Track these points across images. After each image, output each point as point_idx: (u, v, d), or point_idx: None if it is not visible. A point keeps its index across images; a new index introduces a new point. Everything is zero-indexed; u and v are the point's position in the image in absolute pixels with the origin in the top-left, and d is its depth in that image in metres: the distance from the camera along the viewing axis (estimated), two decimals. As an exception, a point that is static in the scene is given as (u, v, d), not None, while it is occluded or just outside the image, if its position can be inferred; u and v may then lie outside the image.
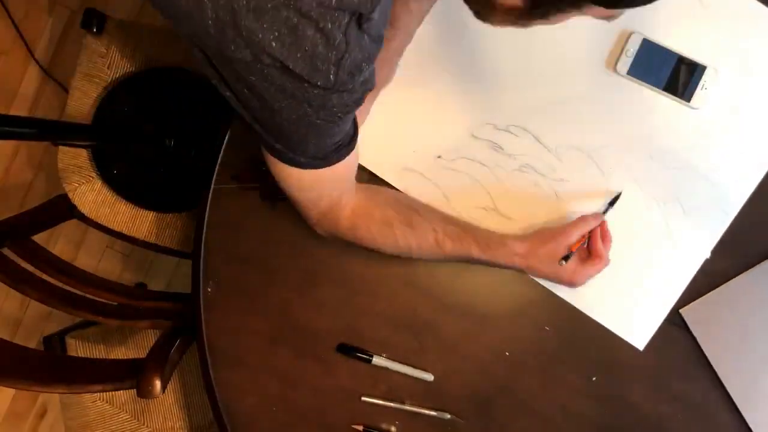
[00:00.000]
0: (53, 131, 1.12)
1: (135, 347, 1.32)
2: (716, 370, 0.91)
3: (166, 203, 1.30)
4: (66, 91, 1.61)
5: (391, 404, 0.94)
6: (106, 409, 1.31)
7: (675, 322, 0.92)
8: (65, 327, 1.41)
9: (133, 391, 0.94)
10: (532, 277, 0.91)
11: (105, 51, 1.25)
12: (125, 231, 1.30)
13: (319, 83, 0.60)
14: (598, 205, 0.91)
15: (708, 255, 0.90)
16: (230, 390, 0.96)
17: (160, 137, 1.29)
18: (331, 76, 0.60)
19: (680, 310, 0.91)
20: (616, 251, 0.89)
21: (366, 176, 0.93)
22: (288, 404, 0.96)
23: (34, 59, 1.77)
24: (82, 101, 1.27)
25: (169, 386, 1.26)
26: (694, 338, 0.91)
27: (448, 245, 0.86)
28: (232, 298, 0.96)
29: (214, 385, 0.95)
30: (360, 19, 0.59)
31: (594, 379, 0.93)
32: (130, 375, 0.94)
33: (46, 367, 0.97)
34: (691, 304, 0.91)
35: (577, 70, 0.90)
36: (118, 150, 1.29)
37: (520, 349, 0.94)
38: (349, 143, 0.72)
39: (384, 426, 0.95)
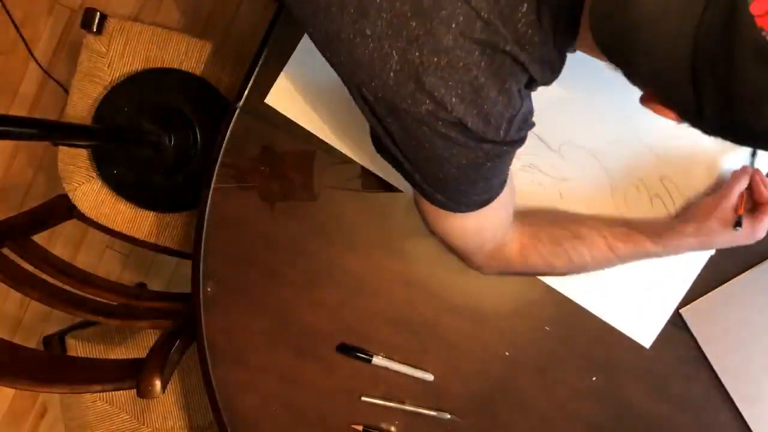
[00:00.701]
0: (53, 131, 1.12)
1: (135, 347, 1.32)
2: (716, 369, 0.91)
3: (166, 203, 1.30)
4: (66, 91, 1.61)
5: (391, 404, 0.94)
6: (107, 409, 1.31)
7: (675, 322, 0.92)
8: (65, 327, 1.40)
9: (133, 391, 0.94)
10: (708, 250, 0.88)
11: (105, 51, 1.25)
12: (125, 231, 1.30)
13: (490, 137, 0.63)
14: (602, 204, 0.91)
15: (713, 252, 0.90)
16: (230, 390, 0.96)
17: (160, 137, 1.28)
18: (502, 132, 0.63)
19: (680, 310, 0.91)
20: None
21: (376, 182, 0.93)
22: (288, 404, 0.96)
23: (34, 59, 1.77)
24: (82, 101, 1.27)
25: (169, 386, 1.25)
26: (694, 338, 0.91)
27: (620, 248, 0.84)
28: (232, 298, 0.96)
29: (214, 384, 0.95)
30: (531, 83, 0.62)
31: (594, 379, 0.93)
32: (130, 375, 0.94)
33: (46, 367, 0.97)
34: (692, 304, 0.91)
35: (580, 67, 0.90)
36: (118, 150, 1.29)
37: (520, 349, 0.94)
38: (505, 179, 0.74)
39: (384, 426, 0.95)
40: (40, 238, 1.19)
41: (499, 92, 0.60)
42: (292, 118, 0.93)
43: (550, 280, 0.92)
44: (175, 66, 1.26)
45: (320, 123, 0.93)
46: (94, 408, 1.31)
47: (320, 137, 0.93)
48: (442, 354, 0.94)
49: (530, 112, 0.67)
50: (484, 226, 0.78)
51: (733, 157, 0.88)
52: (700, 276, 0.91)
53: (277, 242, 0.95)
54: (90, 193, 1.28)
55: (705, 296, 0.91)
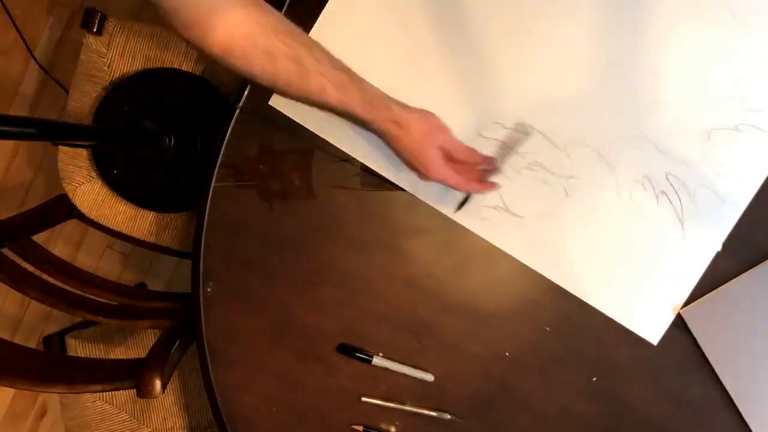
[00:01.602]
0: (53, 131, 1.11)
1: (135, 347, 1.32)
2: (716, 370, 0.91)
3: (165, 203, 1.30)
4: (66, 91, 1.61)
5: (391, 404, 0.94)
6: (106, 409, 1.31)
7: (675, 322, 0.92)
8: (65, 327, 1.41)
9: (133, 391, 0.94)
10: (392, 152, 0.84)
11: (105, 51, 1.25)
12: (125, 231, 1.30)
13: None
14: (608, 203, 0.91)
15: (719, 248, 0.90)
16: (230, 390, 0.96)
17: (159, 137, 1.28)
18: None
19: (680, 311, 0.91)
20: (627, 246, 0.90)
21: (376, 180, 0.93)
22: (288, 404, 0.96)
23: (34, 59, 1.77)
24: (82, 101, 1.27)
25: (170, 386, 1.26)
26: (694, 339, 0.91)
27: (333, 95, 0.77)
28: (232, 298, 0.96)
29: (214, 385, 0.95)
30: None
31: (594, 379, 0.93)
32: (130, 375, 0.94)
33: (46, 366, 0.97)
34: (691, 304, 0.91)
35: (583, 66, 0.90)
36: (118, 150, 1.29)
37: (520, 349, 0.94)
38: None
39: (384, 426, 0.95)
40: (40, 238, 1.19)
41: None
42: (294, 118, 0.93)
43: (556, 277, 0.92)
44: (175, 66, 1.26)
45: (320, 122, 0.93)
46: (94, 408, 1.31)
47: (321, 136, 0.93)
48: (442, 354, 0.94)
49: None
50: None
51: (733, 147, 0.88)
52: (699, 276, 0.91)
53: (277, 242, 0.95)
54: (90, 193, 1.28)
55: (705, 297, 0.90)
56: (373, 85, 0.81)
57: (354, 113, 0.79)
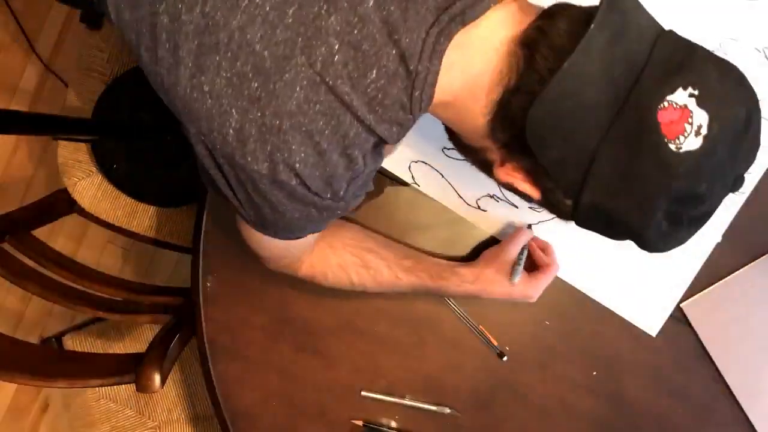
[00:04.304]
0: (53, 126, 1.11)
1: (134, 342, 1.32)
2: (717, 364, 0.90)
3: (166, 198, 1.30)
4: (66, 85, 1.61)
5: (391, 399, 0.94)
6: (111, 406, 1.31)
7: (676, 316, 0.92)
8: (62, 330, 1.41)
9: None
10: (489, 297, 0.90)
11: (104, 45, 1.24)
12: (125, 226, 1.30)
13: (328, 197, 0.64)
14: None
15: (719, 239, 0.90)
16: (230, 384, 0.96)
17: (159, 131, 1.28)
18: (341, 193, 0.64)
19: (681, 305, 0.91)
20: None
21: (379, 175, 0.92)
22: (288, 399, 0.96)
23: (35, 53, 1.77)
24: (82, 96, 1.26)
25: (172, 378, 1.26)
26: (695, 332, 0.91)
27: (404, 281, 0.88)
28: (232, 292, 0.96)
29: (214, 379, 0.95)
30: (379, 144, 0.63)
31: (594, 373, 0.93)
32: (130, 369, 0.94)
33: (45, 361, 0.97)
34: (692, 298, 0.91)
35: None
36: (118, 144, 1.29)
37: (520, 344, 0.94)
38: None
39: (384, 420, 0.95)
40: (41, 233, 1.19)
41: (341, 155, 0.61)
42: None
43: (561, 271, 0.92)
44: (175, 60, 1.25)
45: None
46: (98, 407, 1.31)
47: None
48: (442, 348, 0.94)
49: (372, 172, 0.68)
50: (290, 247, 0.78)
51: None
52: (700, 270, 0.91)
53: (277, 237, 0.95)
54: (90, 187, 1.28)
55: (706, 290, 0.90)
56: (438, 260, 0.91)
57: (428, 289, 0.89)
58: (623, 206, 0.57)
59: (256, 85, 0.57)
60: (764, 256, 0.89)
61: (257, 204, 0.65)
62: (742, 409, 0.91)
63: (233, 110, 0.58)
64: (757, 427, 0.91)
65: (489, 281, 0.88)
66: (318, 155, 0.60)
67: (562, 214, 0.64)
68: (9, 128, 0.98)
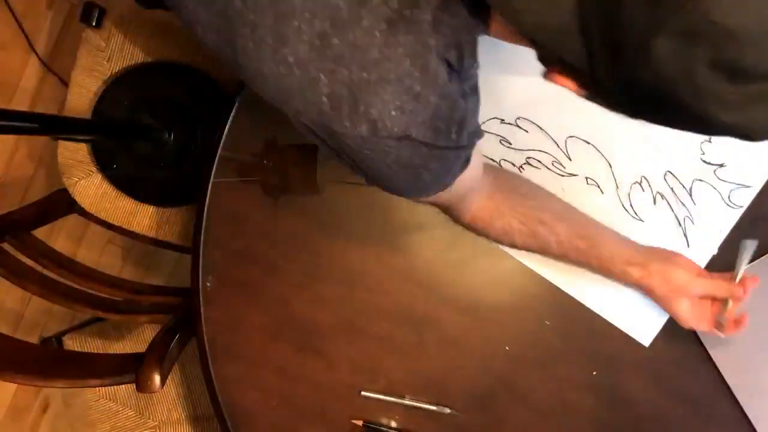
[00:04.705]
0: (53, 126, 1.11)
1: (135, 342, 1.32)
2: (717, 364, 0.90)
3: (166, 197, 1.30)
4: (66, 85, 1.61)
5: (391, 399, 0.94)
6: (111, 406, 1.31)
7: (676, 316, 0.92)
8: (63, 330, 1.40)
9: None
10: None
11: (104, 45, 1.24)
12: (125, 225, 1.30)
13: (442, 144, 0.60)
14: (604, 201, 0.90)
15: (715, 251, 0.90)
16: (230, 384, 0.96)
17: (159, 131, 1.28)
18: (454, 136, 0.60)
19: (681, 305, 0.91)
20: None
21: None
22: (288, 399, 0.96)
23: (35, 53, 1.77)
24: (81, 95, 1.26)
25: (172, 378, 1.26)
26: (695, 332, 0.91)
27: (571, 258, 0.88)
28: (232, 292, 0.96)
29: (214, 379, 0.95)
30: (452, 69, 0.59)
31: (594, 373, 0.93)
32: (130, 369, 0.94)
33: (45, 362, 0.97)
34: (692, 298, 0.90)
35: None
36: (118, 144, 1.29)
37: (520, 344, 0.94)
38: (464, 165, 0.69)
39: (384, 420, 0.95)
40: (41, 233, 1.19)
41: (440, 97, 0.57)
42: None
43: (552, 277, 0.92)
44: (175, 59, 1.25)
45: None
46: (98, 407, 1.31)
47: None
48: (442, 348, 0.94)
49: (477, 114, 0.65)
50: (438, 198, 0.72)
51: (733, 148, 0.88)
52: (701, 270, 0.90)
53: (277, 236, 0.95)
54: (90, 187, 1.28)
55: (706, 290, 0.90)
56: (611, 249, 0.87)
57: (594, 271, 0.89)
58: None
59: (336, 41, 0.53)
60: (764, 257, 0.89)
61: (374, 170, 0.62)
62: (742, 409, 0.91)
63: (321, 74, 0.54)
64: (757, 427, 0.90)
65: (656, 297, 0.87)
66: (414, 100, 0.56)
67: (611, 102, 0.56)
68: (9, 128, 0.98)
